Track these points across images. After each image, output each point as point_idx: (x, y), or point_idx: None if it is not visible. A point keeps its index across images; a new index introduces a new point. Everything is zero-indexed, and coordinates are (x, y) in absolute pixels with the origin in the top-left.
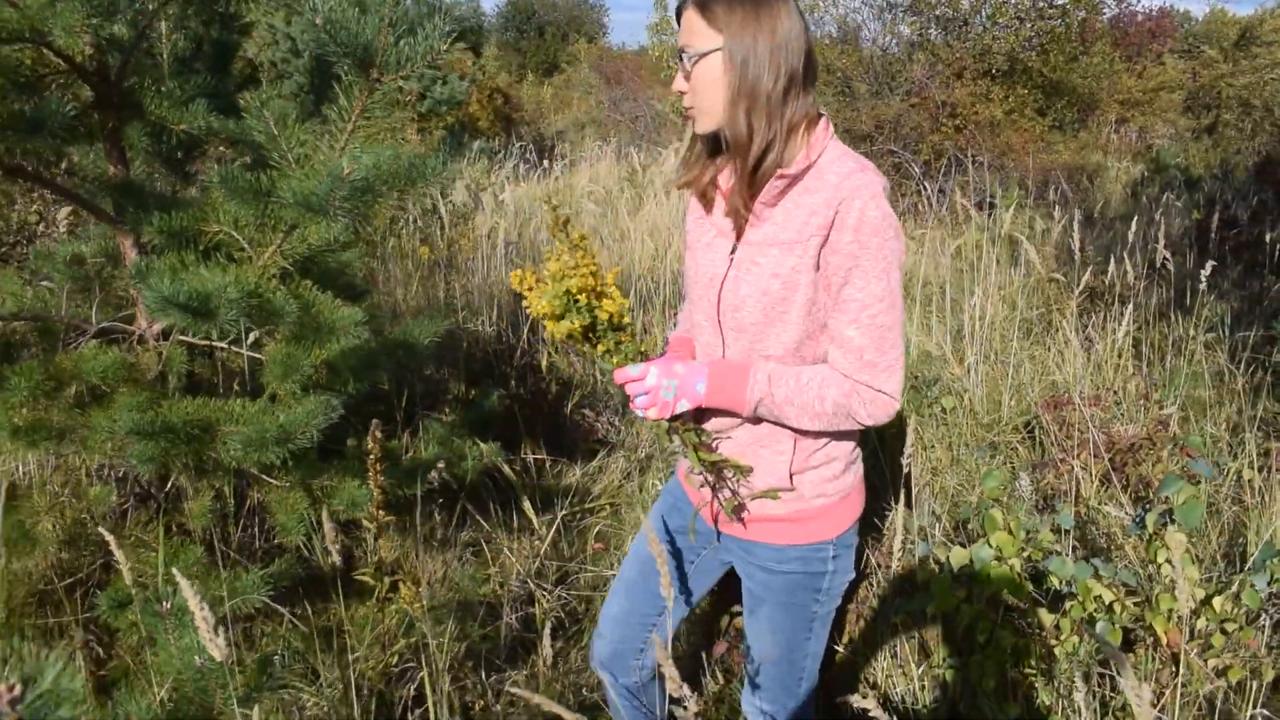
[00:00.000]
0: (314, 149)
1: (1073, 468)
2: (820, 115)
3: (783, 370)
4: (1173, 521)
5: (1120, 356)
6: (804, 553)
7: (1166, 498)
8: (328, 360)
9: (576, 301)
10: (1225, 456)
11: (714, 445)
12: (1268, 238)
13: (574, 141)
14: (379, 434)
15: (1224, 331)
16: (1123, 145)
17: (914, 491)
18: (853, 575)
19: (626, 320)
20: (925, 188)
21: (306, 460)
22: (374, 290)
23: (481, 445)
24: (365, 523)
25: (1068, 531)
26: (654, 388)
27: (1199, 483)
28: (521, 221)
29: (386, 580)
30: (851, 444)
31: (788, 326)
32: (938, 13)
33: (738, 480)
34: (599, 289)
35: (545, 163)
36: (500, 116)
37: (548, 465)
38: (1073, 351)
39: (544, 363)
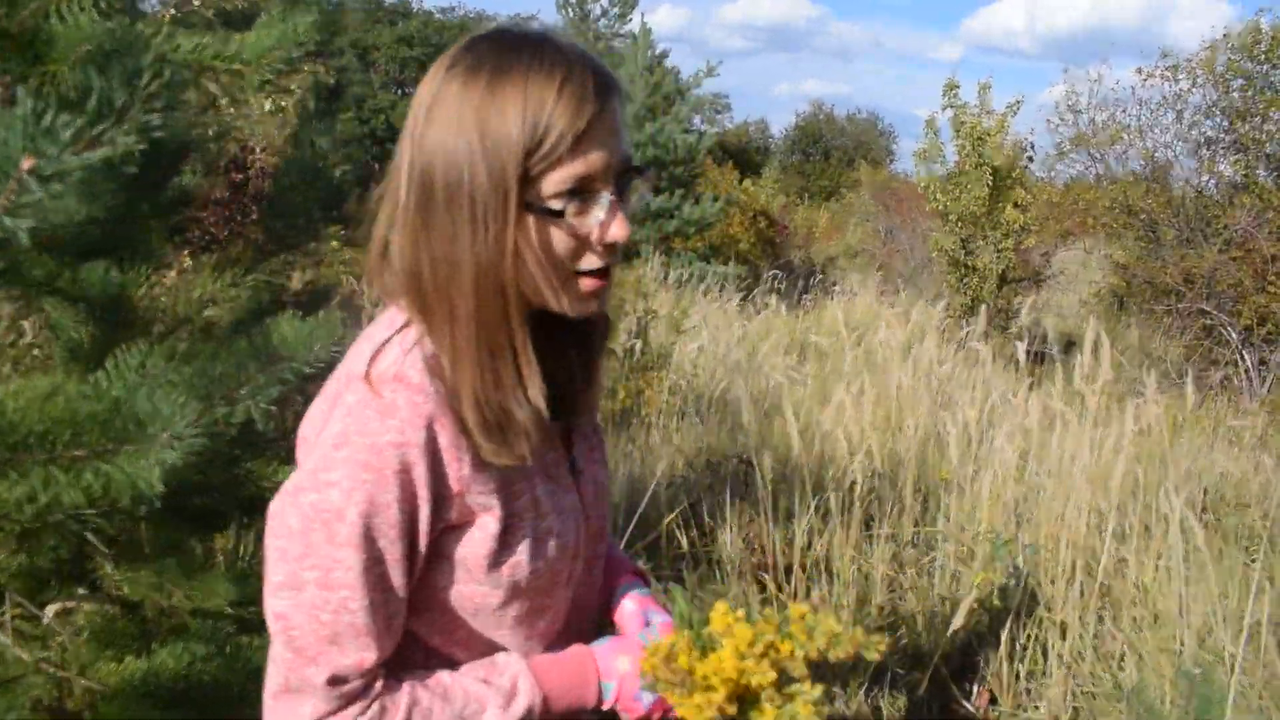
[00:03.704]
0: None
1: None
2: None
3: None
4: None
5: None
6: None
7: None
8: None
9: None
10: None
11: None
12: None
13: (843, 268)
14: None
15: None
16: None
17: None
18: None
19: None
20: (1243, 359)
21: None
22: None
23: None
24: None
25: None
26: None
27: None
28: (720, 370)
29: None
30: None
31: None
32: (1268, 150)
33: None
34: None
35: (805, 291)
36: (764, 239)
37: None
38: None
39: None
